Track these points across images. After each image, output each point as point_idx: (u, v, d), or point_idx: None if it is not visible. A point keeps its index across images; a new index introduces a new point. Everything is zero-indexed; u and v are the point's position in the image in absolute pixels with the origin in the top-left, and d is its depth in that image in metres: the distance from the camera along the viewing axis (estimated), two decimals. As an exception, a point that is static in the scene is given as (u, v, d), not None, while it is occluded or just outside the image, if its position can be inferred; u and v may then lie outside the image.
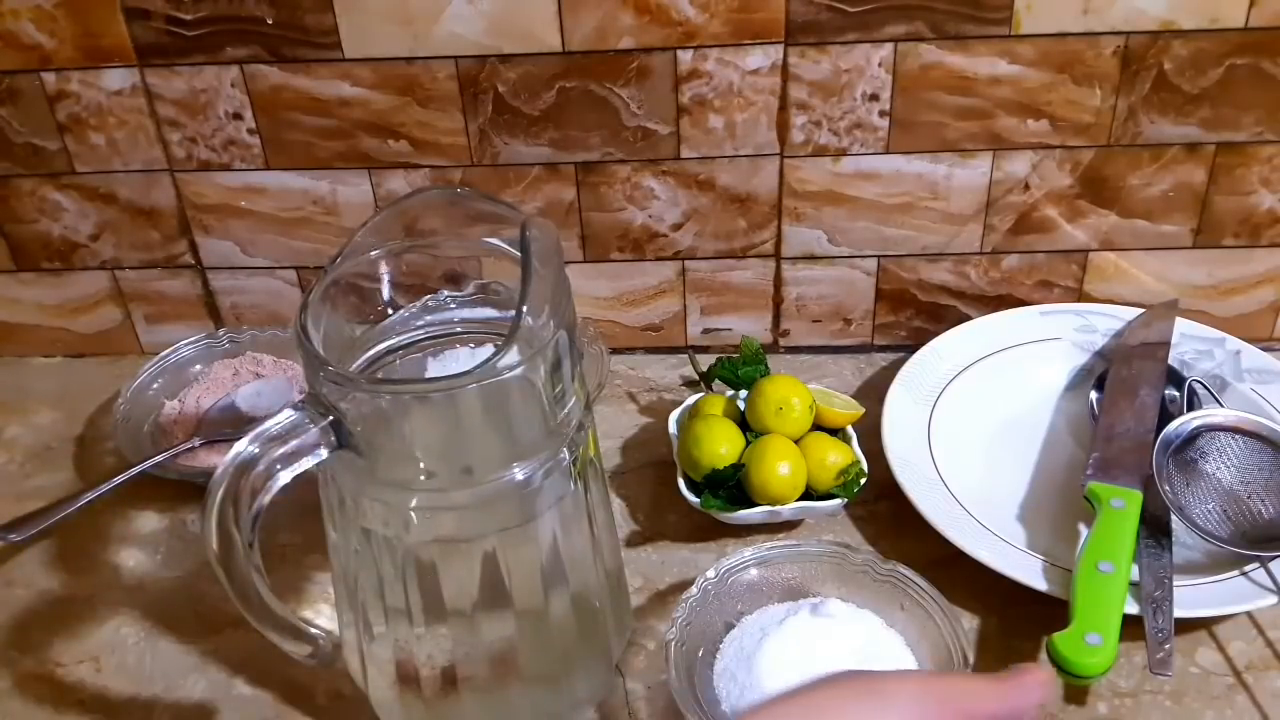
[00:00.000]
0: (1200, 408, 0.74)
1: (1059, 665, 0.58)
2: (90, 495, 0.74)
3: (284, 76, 0.79)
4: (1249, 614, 0.66)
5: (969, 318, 0.87)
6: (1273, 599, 0.64)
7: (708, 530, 0.74)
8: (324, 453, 0.51)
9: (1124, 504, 0.67)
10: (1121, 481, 0.69)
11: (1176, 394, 0.78)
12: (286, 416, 0.50)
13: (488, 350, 0.53)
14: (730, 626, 0.62)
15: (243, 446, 0.49)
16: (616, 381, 0.89)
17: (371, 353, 0.57)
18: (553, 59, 0.78)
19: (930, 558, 0.68)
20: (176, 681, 0.66)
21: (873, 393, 0.82)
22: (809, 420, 0.74)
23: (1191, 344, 0.82)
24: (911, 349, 0.85)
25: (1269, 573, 0.65)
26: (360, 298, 0.57)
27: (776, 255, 0.86)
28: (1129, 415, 0.75)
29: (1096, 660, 0.58)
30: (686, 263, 0.87)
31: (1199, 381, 0.77)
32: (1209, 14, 0.74)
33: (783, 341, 0.91)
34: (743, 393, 0.78)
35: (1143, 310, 0.85)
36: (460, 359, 0.58)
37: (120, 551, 0.75)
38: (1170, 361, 0.79)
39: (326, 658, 0.59)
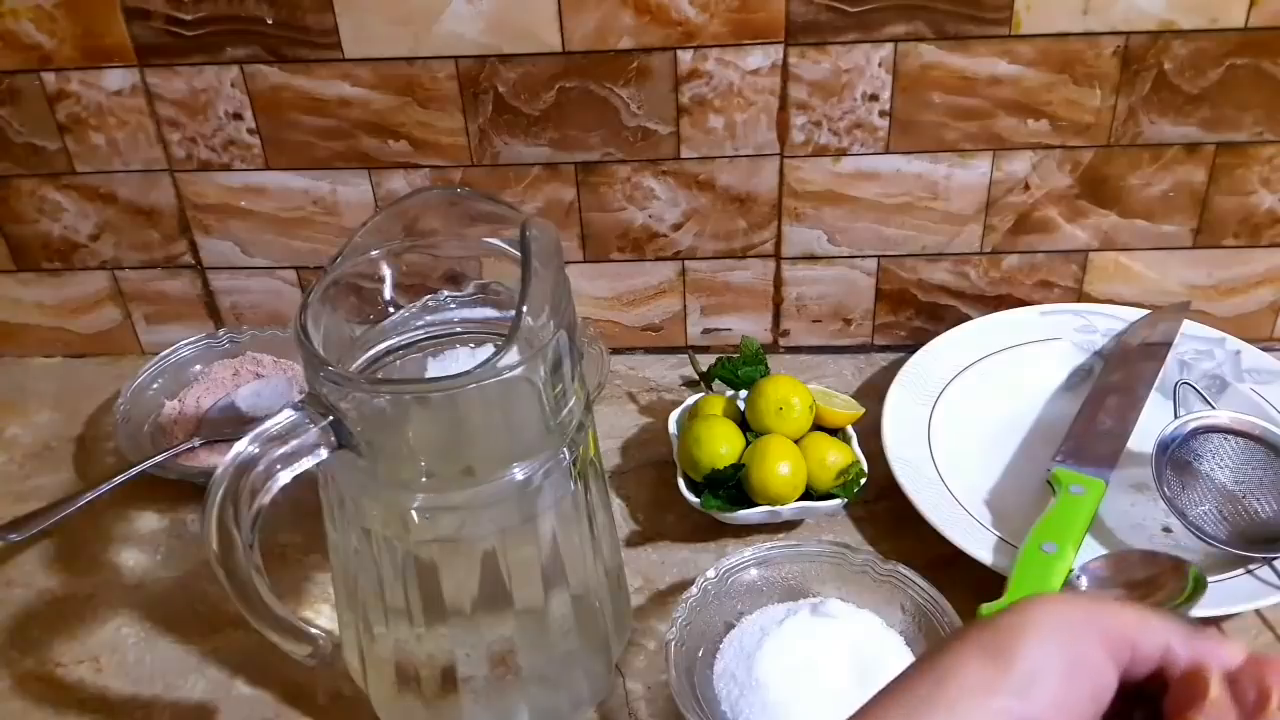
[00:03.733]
0: (1191, 410, 0.74)
1: None
2: (90, 495, 0.74)
3: (284, 76, 0.79)
4: (1258, 611, 0.66)
5: (969, 318, 0.87)
6: (1276, 597, 0.64)
7: (708, 530, 0.74)
8: (324, 453, 0.51)
9: (1084, 490, 0.68)
10: (1088, 469, 0.69)
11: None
12: (286, 416, 0.50)
13: (488, 350, 0.53)
14: (730, 626, 0.62)
15: (243, 446, 0.49)
16: (616, 381, 0.89)
17: (371, 353, 0.57)
18: (553, 59, 0.78)
19: (930, 558, 0.68)
20: (176, 681, 0.66)
21: (873, 393, 0.82)
22: (809, 420, 0.74)
23: (1191, 344, 0.82)
24: (911, 349, 0.85)
25: (1274, 570, 0.65)
26: (360, 298, 0.57)
27: (776, 255, 0.86)
28: (1113, 410, 0.75)
29: None
30: (686, 263, 0.87)
31: (1188, 384, 0.77)
32: (1209, 14, 0.74)
33: (783, 341, 0.91)
34: (743, 393, 0.78)
35: (1148, 310, 0.85)
36: (460, 359, 0.58)
37: (120, 551, 0.75)
38: (1169, 361, 0.80)
39: (326, 658, 0.59)
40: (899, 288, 0.88)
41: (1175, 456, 0.70)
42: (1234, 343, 0.82)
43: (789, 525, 0.74)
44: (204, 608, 0.71)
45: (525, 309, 0.49)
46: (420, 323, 0.59)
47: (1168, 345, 0.80)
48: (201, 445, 0.79)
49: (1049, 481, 0.70)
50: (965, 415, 0.80)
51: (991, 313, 0.87)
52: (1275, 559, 0.66)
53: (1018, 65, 0.76)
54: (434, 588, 0.55)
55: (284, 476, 0.50)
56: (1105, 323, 0.85)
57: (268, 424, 0.50)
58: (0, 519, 0.74)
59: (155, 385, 0.86)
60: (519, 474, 0.53)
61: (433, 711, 0.60)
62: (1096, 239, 0.84)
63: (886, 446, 0.75)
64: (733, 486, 0.71)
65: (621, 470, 0.80)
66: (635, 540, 0.74)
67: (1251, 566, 0.66)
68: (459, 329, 0.59)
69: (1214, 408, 0.74)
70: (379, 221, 0.57)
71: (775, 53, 0.77)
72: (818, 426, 0.75)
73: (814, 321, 0.90)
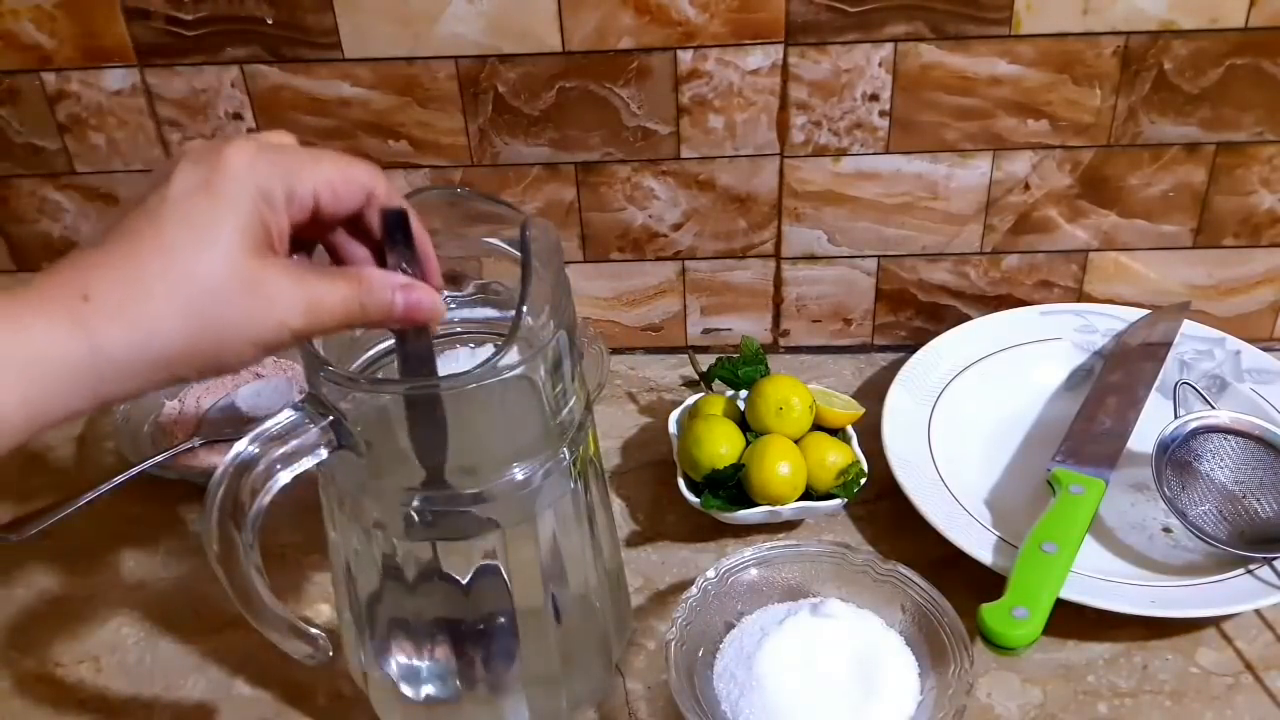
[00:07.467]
0: (1191, 410, 0.74)
1: (984, 635, 0.59)
2: (90, 495, 0.74)
3: (284, 76, 0.79)
4: (1258, 611, 0.66)
5: (969, 318, 0.87)
6: (1276, 597, 0.64)
7: (708, 530, 0.74)
8: (324, 453, 0.50)
9: (1083, 490, 0.68)
10: (1087, 469, 0.69)
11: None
12: (286, 416, 0.50)
13: (488, 350, 0.53)
14: (730, 626, 0.62)
15: (243, 446, 0.49)
16: (616, 381, 0.89)
17: (371, 353, 0.57)
18: (553, 59, 0.78)
19: (930, 558, 0.68)
20: (176, 681, 0.66)
21: (873, 393, 0.82)
22: (809, 420, 0.74)
23: (1191, 344, 0.82)
24: (911, 349, 0.85)
25: (1274, 570, 0.65)
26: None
27: (776, 255, 0.86)
28: (1113, 410, 0.75)
29: (1020, 633, 0.58)
30: (686, 263, 0.87)
31: (1188, 384, 0.77)
32: (1209, 14, 0.74)
33: (783, 341, 0.91)
34: (743, 393, 0.78)
35: (1148, 310, 0.85)
36: (460, 359, 0.58)
37: (120, 551, 0.75)
38: (1169, 361, 0.80)
39: (326, 658, 0.59)
40: (899, 288, 0.88)
41: (1175, 456, 0.70)
42: (1234, 343, 0.82)
43: (789, 525, 0.74)
44: (204, 608, 0.71)
45: (525, 309, 0.49)
46: (420, 323, 0.58)
47: (1168, 345, 0.80)
48: (201, 445, 0.79)
49: (1049, 481, 0.70)
50: (965, 415, 0.80)
51: (991, 313, 0.87)
52: (1275, 559, 0.66)
53: (1018, 65, 0.76)
54: (434, 588, 0.55)
55: (284, 476, 0.50)
56: (1105, 323, 0.85)
57: (268, 424, 0.50)
58: (0, 519, 0.74)
59: (155, 385, 0.86)
60: (519, 474, 0.53)
61: (433, 712, 0.60)
62: (1096, 239, 0.84)
63: (886, 446, 0.75)
64: (733, 486, 0.71)
65: (621, 470, 0.80)
66: (635, 540, 0.74)
67: (1251, 566, 0.66)
68: (459, 329, 0.59)
69: (1214, 408, 0.74)
70: (379, 221, 0.57)
71: (775, 53, 0.77)
72: (818, 426, 0.75)
73: (814, 321, 0.90)
